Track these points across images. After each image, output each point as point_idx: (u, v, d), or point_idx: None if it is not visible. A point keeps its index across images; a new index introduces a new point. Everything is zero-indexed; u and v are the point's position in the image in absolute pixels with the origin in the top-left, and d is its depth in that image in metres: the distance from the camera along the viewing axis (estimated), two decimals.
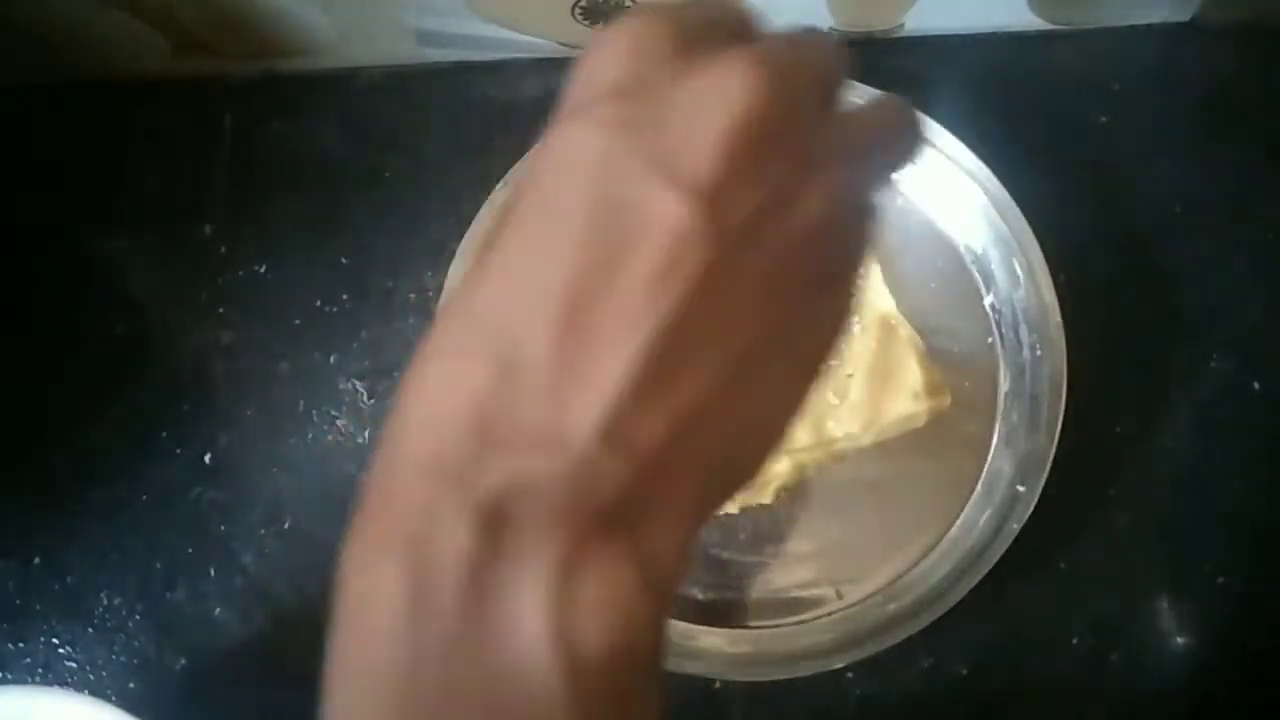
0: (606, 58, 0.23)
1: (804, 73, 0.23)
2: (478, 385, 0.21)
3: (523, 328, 0.21)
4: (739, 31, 0.24)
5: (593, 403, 0.21)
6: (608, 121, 0.22)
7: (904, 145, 0.26)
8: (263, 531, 0.49)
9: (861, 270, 0.25)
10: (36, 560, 0.49)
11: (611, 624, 0.21)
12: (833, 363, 0.46)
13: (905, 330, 0.48)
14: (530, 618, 0.20)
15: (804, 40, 0.25)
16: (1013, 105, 0.52)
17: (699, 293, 0.21)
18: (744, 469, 0.24)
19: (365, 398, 0.51)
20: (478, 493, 0.20)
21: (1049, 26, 0.53)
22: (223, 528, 0.49)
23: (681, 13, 0.24)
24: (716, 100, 0.21)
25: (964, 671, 0.46)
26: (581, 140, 0.22)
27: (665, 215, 0.21)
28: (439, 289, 0.49)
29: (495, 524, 0.20)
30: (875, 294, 0.48)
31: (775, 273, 0.22)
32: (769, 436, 0.24)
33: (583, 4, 0.51)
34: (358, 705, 0.22)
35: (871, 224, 0.25)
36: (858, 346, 0.47)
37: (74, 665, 0.48)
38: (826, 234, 0.23)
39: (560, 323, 0.21)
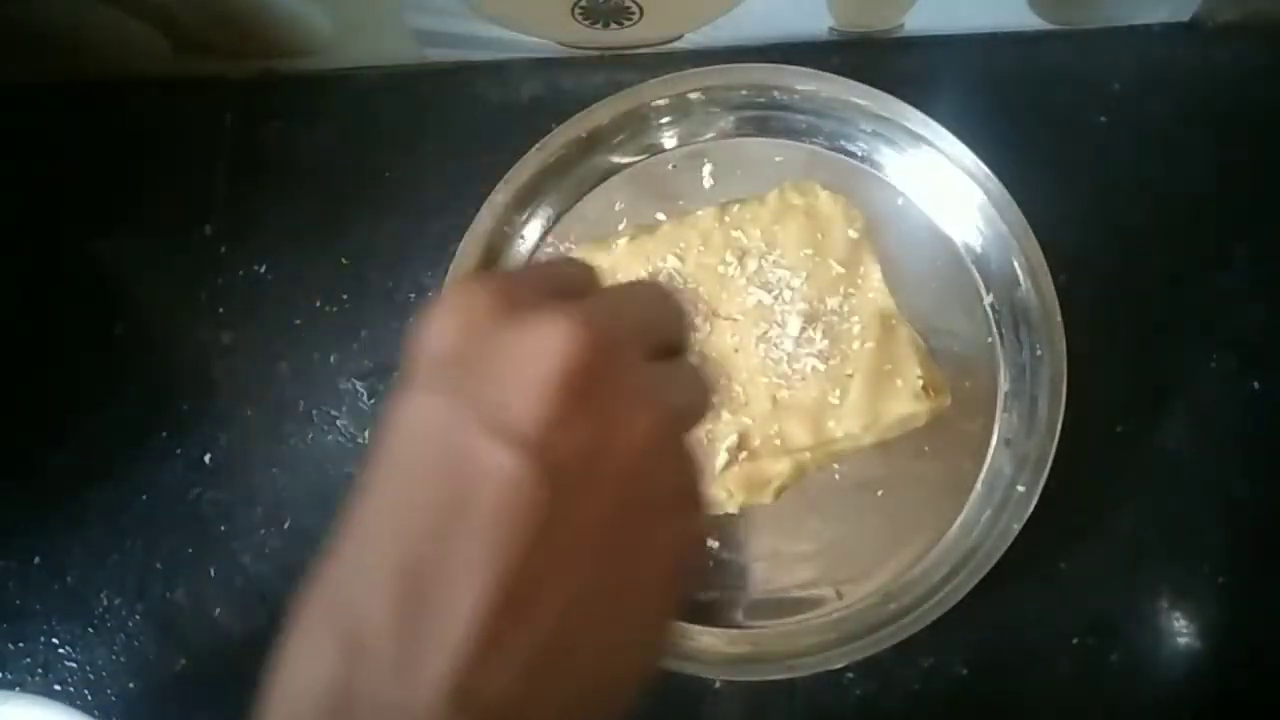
0: (439, 330, 0.24)
1: (624, 320, 0.25)
2: (329, 666, 0.21)
3: (365, 600, 0.22)
4: (570, 289, 0.26)
5: (437, 666, 0.21)
6: (440, 388, 0.23)
7: (701, 401, 0.27)
8: (263, 531, 0.49)
9: (701, 487, 0.26)
10: (37, 560, 0.49)
11: None
12: (831, 360, 0.46)
13: (905, 330, 0.48)
14: None
15: (634, 293, 0.27)
16: (1013, 105, 0.52)
17: (535, 537, 0.22)
18: (612, 698, 0.24)
19: (365, 397, 0.51)
20: None
21: (1049, 26, 0.53)
22: (223, 528, 0.49)
23: (507, 279, 0.26)
24: (534, 355, 0.23)
25: (964, 671, 0.46)
26: (418, 408, 0.23)
27: (495, 467, 0.22)
28: (438, 288, 0.49)
29: None
30: (875, 294, 0.48)
31: (612, 503, 0.23)
32: (633, 663, 0.24)
33: (582, 4, 0.51)
34: None
35: (696, 449, 0.26)
36: (858, 347, 0.47)
37: (74, 665, 0.48)
38: (658, 456, 0.24)
39: (400, 589, 0.21)
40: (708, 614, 0.46)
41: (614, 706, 0.24)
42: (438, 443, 0.22)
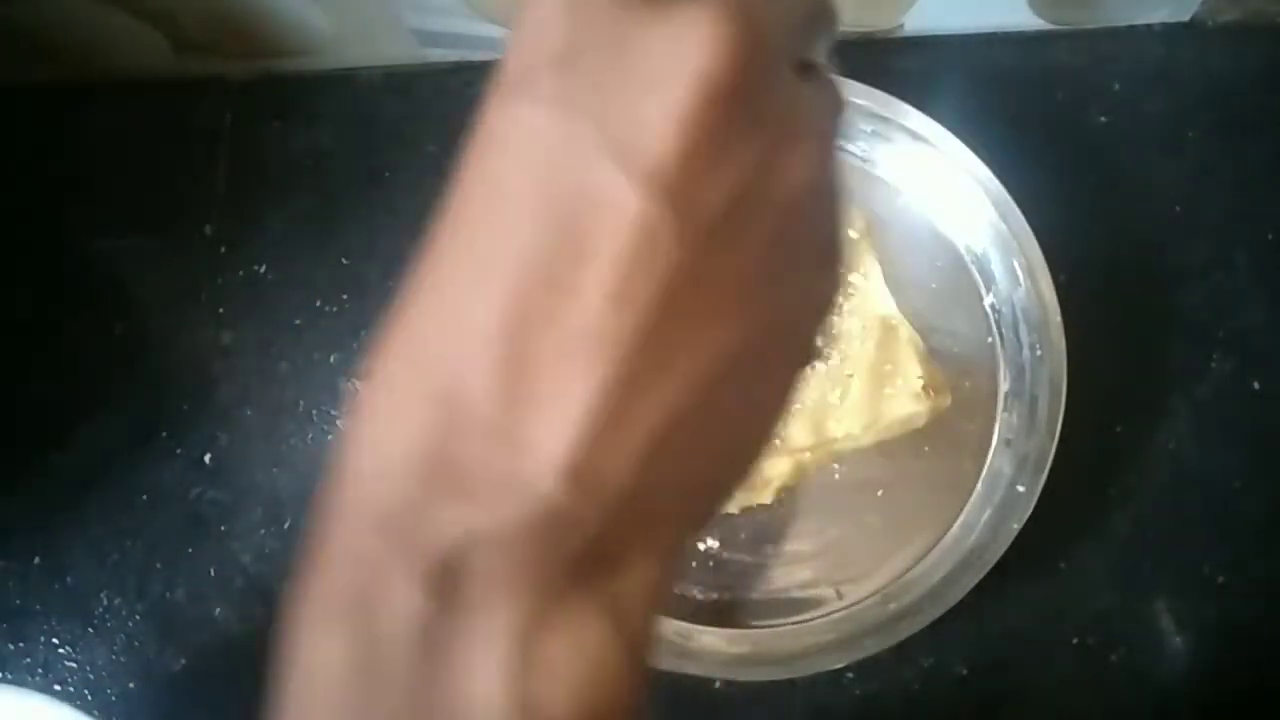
0: (544, 18, 0.19)
1: (782, 20, 0.20)
2: (422, 426, 0.18)
3: (462, 359, 0.18)
4: None
5: (552, 440, 0.18)
6: (551, 98, 0.18)
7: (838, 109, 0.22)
8: (263, 531, 0.49)
9: (849, 240, 0.21)
10: (36, 560, 0.49)
11: (581, 687, 0.19)
12: (831, 360, 0.46)
13: (905, 330, 0.48)
14: (486, 687, 0.18)
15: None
16: (1013, 105, 0.52)
17: (667, 296, 0.18)
18: (727, 485, 0.21)
19: None
20: (429, 547, 0.18)
21: (1049, 26, 0.53)
22: (223, 528, 0.49)
23: None
24: (676, 65, 0.18)
25: (964, 671, 0.46)
26: (522, 123, 0.19)
27: (624, 211, 0.18)
28: None
29: (449, 582, 0.18)
30: (875, 294, 0.48)
31: (757, 260, 0.19)
32: (754, 444, 0.21)
33: None
34: None
35: (833, 195, 0.22)
36: (858, 347, 0.47)
37: (74, 665, 0.48)
38: (810, 210, 0.20)
39: (506, 350, 0.18)
40: (708, 614, 0.46)
41: (729, 493, 0.21)
42: (547, 168, 0.18)
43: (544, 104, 0.18)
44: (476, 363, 0.18)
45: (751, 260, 0.19)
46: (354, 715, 0.19)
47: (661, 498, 0.19)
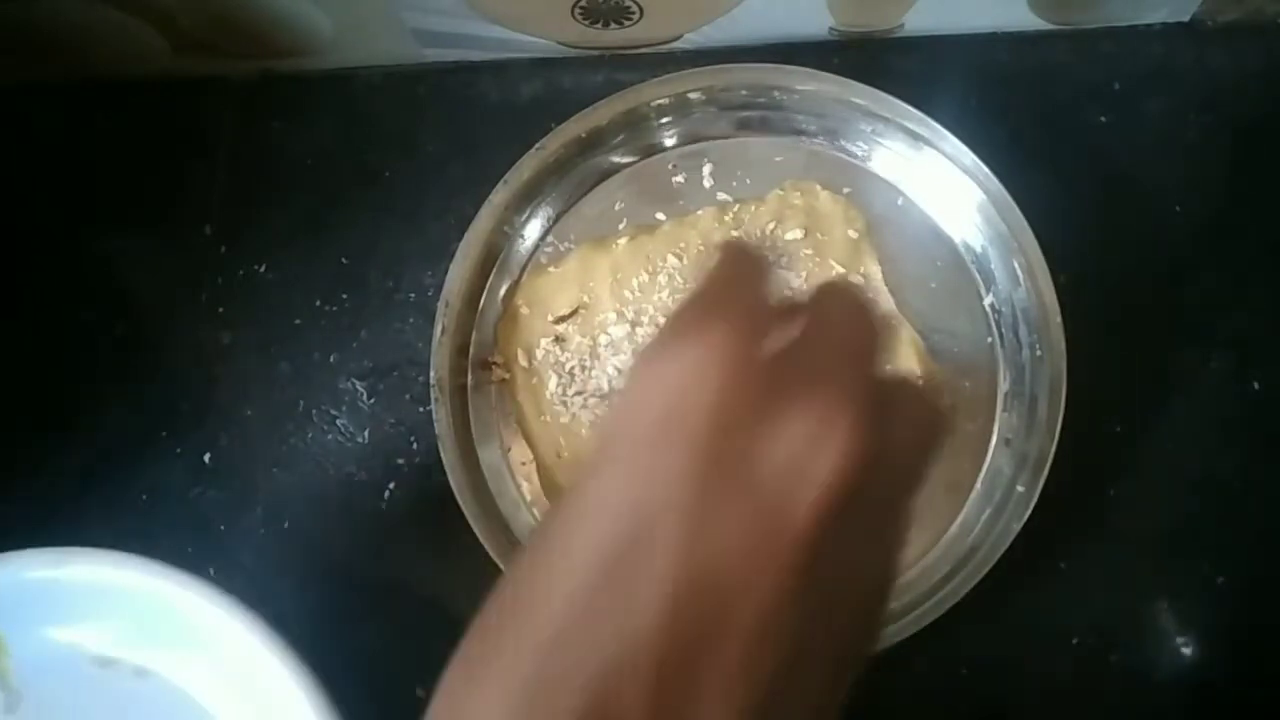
0: (692, 380, 0.22)
1: (902, 420, 0.24)
2: None
3: (620, 684, 0.20)
4: (777, 311, 0.25)
5: None
6: (707, 464, 0.21)
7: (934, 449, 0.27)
8: (262, 531, 0.49)
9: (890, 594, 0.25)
10: None
11: None
12: None
13: (905, 330, 0.48)
14: None
15: (860, 323, 0.25)
16: (1012, 105, 0.52)
17: (785, 661, 0.21)
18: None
19: (365, 397, 0.51)
20: None
21: (1049, 26, 0.53)
22: (222, 527, 0.49)
23: (746, 305, 0.23)
24: (816, 450, 0.21)
25: (964, 671, 0.46)
26: (674, 480, 0.21)
27: (764, 573, 0.20)
28: (438, 288, 0.49)
29: None
30: (875, 294, 0.48)
31: (845, 618, 0.23)
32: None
33: (582, 4, 0.51)
34: None
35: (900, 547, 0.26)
36: None
37: None
38: (886, 565, 0.24)
39: (660, 681, 0.20)
40: None
41: None
42: (701, 528, 0.21)
43: (696, 467, 0.21)
44: (633, 691, 0.20)
45: (840, 623, 0.22)
46: None
47: None
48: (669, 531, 0.20)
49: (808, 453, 0.21)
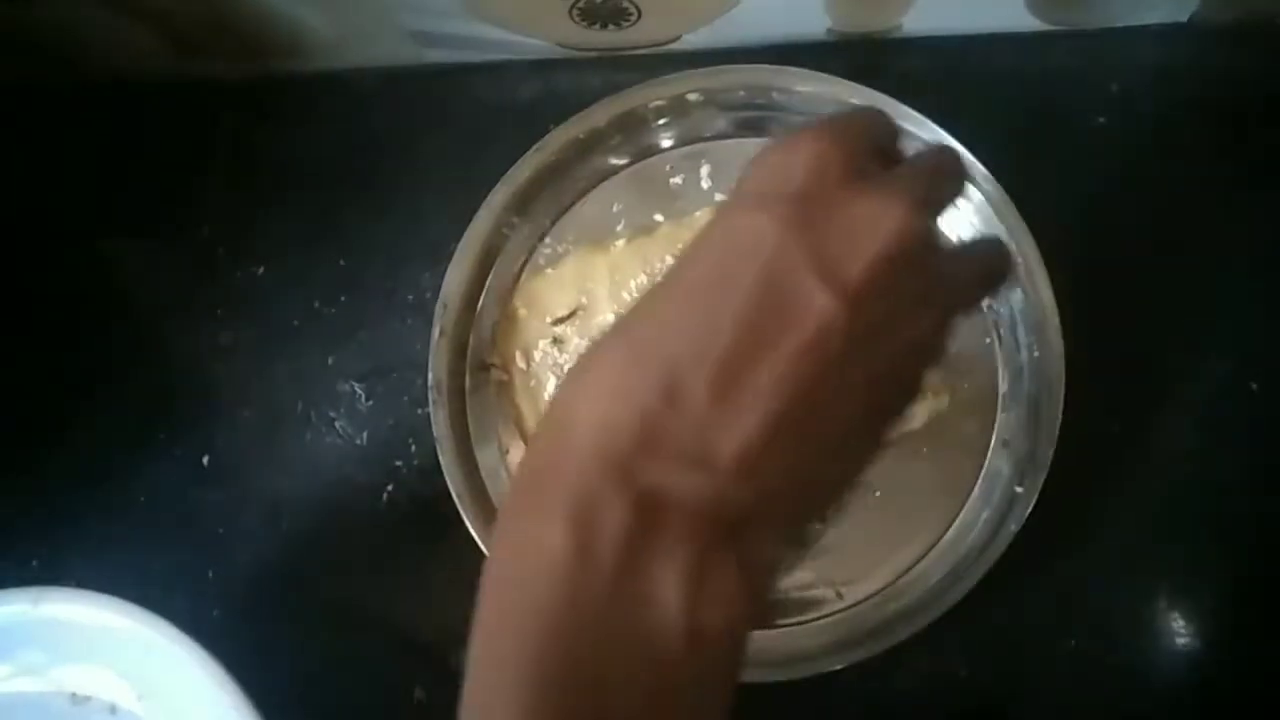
0: (792, 163, 0.28)
1: (939, 208, 0.30)
2: (646, 403, 0.26)
3: (689, 367, 0.26)
4: (889, 149, 0.31)
5: (735, 441, 0.26)
6: (787, 218, 0.27)
7: (996, 279, 0.32)
8: (261, 533, 0.49)
9: (920, 383, 0.30)
10: (35, 563, 0.49)
11: (725, 615, 0.26)
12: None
13: None
14: (672, 594, 0.25)
15: (945, 168, 0.32)
16: (1010, 106, 0.52)
17: (830, 375, 0.26)
18: (816, 510, 0.32)
19: (363, 399, 0.51)
20: (639, 485, 0.26)
21: (1047, 27, 0.53)
22: (221, 529, 0.49)
23: (851, 135, 0.29)
24: (874, 227, 0.27)
25: (964, 672, 0.46)
26: (765, 227, 0.27)
27: (819, 308, 0.26)
28: (436, 290, 0.49)
29: (650, 512, 0.26)
30: None
31: (879, 371, 0.27)
32: (837, 488, 0.31)
33: (580, 5, 0.51)
34: (510, 635, 0.26)
35: (942, 344, 0.30)
36: None
37: None
38: (921, 350, 0.29)
39: (720, 371, 0.26)
40: None
41: (818, 516, 0.34)
42: (772, 263, 0.26)
43: (778, 220, 0.27)
44: (698, 372, 0.26)
45: (876, 368, 0.27)
46: (568, 586, 0.25)
47: (786, 504, 0.28)
48: (753, 257, 0.26)
49: (869, 222, 0.27)
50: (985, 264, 0.32)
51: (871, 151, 0.30)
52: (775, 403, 0.26)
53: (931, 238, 0.29)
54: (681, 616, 0.25)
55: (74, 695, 0.43)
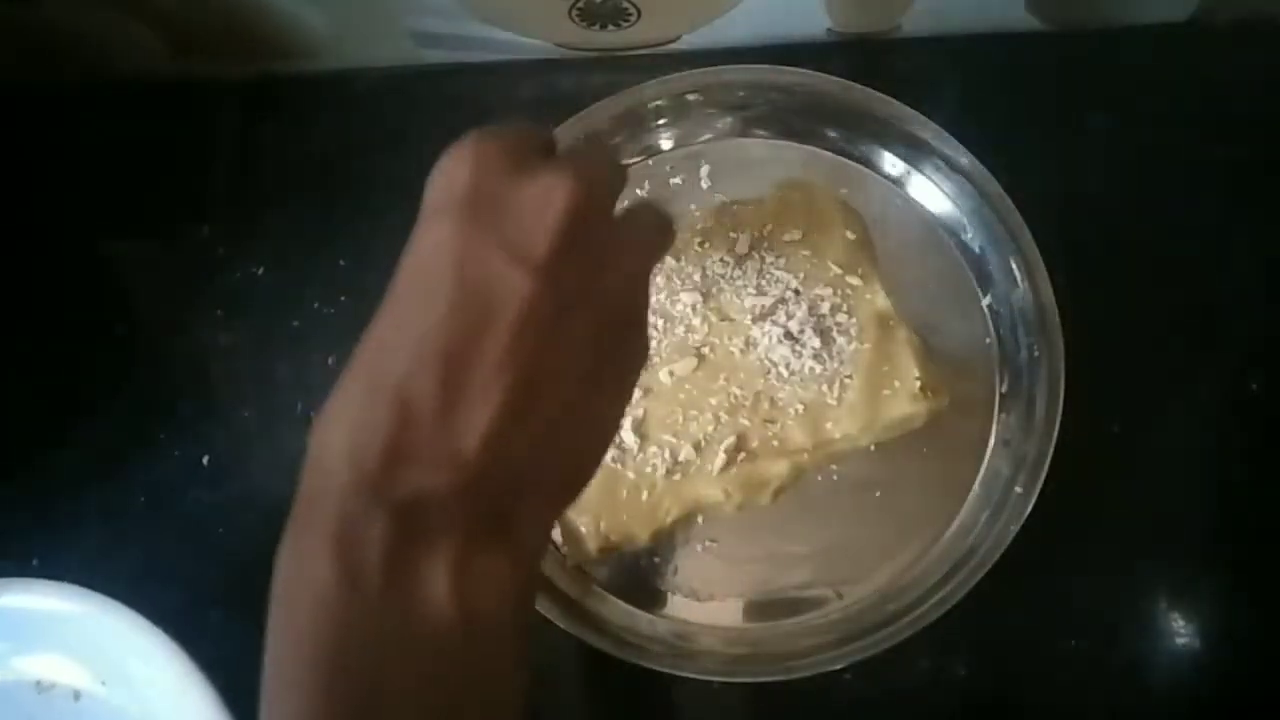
0: (455, 169, 0.30)
1: (602, 180, 0.32)
2: (386, 418, 0.27)
3: (415, 377, 0.27)
4: (546, 148, 0.32)
5: (477, 431, 0.28)
6: (464, 218, 0.29)
7: (662, 240, 0.34)
8: (261, 533, 0.49)
9: (645, 319, 0.33)
10: (35, 562, 0.49)
11: (494, 593, 0.28)
12: (830, 363, 0.46)
13: (903, 331, 0.48)
14: (440, 587, 0.27)
15: (595, 155, 0.36)
16: (1010, 106, 0.52)
17: (547, 343, 0.28)
18: (583, 472, 0.32)
19: None
20: (394, 498, 0.27)
21: (1046, 27, 0.53)
22: (220, 530, 0.49)
23: (506, 134, 0.31)
24: (547, 201, 0.29)
25: (963, 672, 0.46)
26: (446, 233, 0.29)
27: (518, 286, 0.28)
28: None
29: (408, 520, 0.27)
30: (873, 295, 0.48)
31: (593, 323, 0.30)
32: (599, 445, 0.32)
33: (580, 5, 0.51)
34: (293, 662, 0.27)
35: (645, 287, 0.33)
36: (856, 347, 0.47)
37: None
38: (625, 293, 0.31)
39: (443, 372, 0.27)
40: (707, 615, 0.46)
41: (585, 478, 0.32)
42: (464, 262, 0.28)
43: (462, 223, 0.29)
44: (424, 379, 0.27)
45: (590, 321, 0.30)
46: (338, 606, 0.27)
47: (541, 476, 0.30)
48: (443, 264, 0.28)
49: (540, 200, 0.29)
50: (654, 227, 0.34)
51: (529, 149, 0.31)
52: (502, 383, 0.28)
53: (600, 207, 0.31)
54: (450, 604, 0.27)
55: (39, 683, 0.44)
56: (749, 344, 0.47)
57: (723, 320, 0.48)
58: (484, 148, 0.30)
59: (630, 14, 0.51)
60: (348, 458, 0.27)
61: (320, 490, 0.28)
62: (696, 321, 0.48)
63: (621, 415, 0.33)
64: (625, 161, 0.51)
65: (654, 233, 0.34)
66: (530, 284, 0.28)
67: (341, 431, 0.28)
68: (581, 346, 0.29)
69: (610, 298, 0.31)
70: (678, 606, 0.46)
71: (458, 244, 0.28)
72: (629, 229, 0.33)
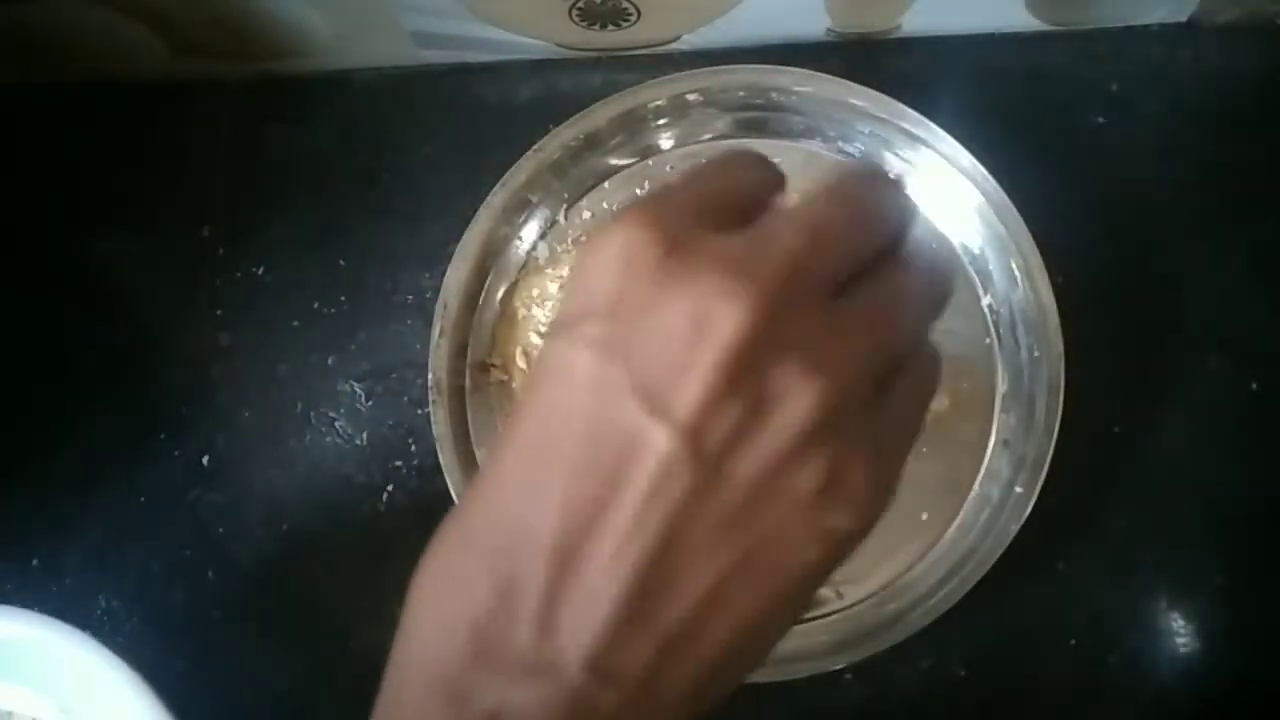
0: (598, 269, 0.23)
1: (807, 269, 0.23)
2: (478, 605, 0.22)
3: (520, 553, 0.22)
4: (756, 199, 0.25)
5: (581, 634, 0.22)
6: (596, 345, 0.22)
7: (936, 301, 0.27)
8: (261, 534, 0.49)
9: (883, 482, 0.24)
10: (35, 562, 0.49)
11: None
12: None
13: None
14: None
15: (825, 217, 0.24)
16: (1010, 106, 0.52)
17: (684, 521, 0.22)
18: (739, 673, 0.24)
19: (363, 399, 0.51)
20: (472, 711, 0.22)
21: (1046, 27, 0.53)
22: (221, 530, 0.49)
23: (684, 202, 0.24)
24: (691, 326, 0.22)
25: (963, 672, 0.46)
26: (573, 365, 0.22)
27: (651, 448, 0.22)
28: (436, 290, 0.49)
29: None
30: None
31: (757, 488, 0.22)
32: (761, 643, 0.24)
33: (580, 5, 0.51)
34: None
35: (918, 407, 0.26)
36: None
37: None
38: (818, 439, 0.22)
39: (554, 550, 0.22)
40: None
41: (740, 679, 0.24)
42: (590, 409, 0.22)
43: (587, 351, 0.22)
44: (531, 561, 0.22)
45: (749, 490, 0.22)
46: None
47: (670, 692, 0.22)
48: (568, 408, 0.22)
49: (690, 323, 0.22)
50: (915, 283, 0.27)
51: (720, 209, 0.24)
52: (622, 571, 0.22)
53: (791, 309, 0.22)
54: None
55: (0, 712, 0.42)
56: None
57: None
58: (636, 235, 0.23)
59: (630, 14, 0.51)
60: (431, 644, 0.23)
61: (402, 684, 0.24)
62: None
63: (793, 617, 0.24)
64: (623, 162, 0.51)
65: (928, 303, 0.26)
66: (666, 442, 0.21)
67: (429, 602, 0.24)
68: (734, 528, 0.22)
69: (789, 446, 0.22)
70: None
71: (587, 382, 0.22)
72: (853, 328, 0.24)
